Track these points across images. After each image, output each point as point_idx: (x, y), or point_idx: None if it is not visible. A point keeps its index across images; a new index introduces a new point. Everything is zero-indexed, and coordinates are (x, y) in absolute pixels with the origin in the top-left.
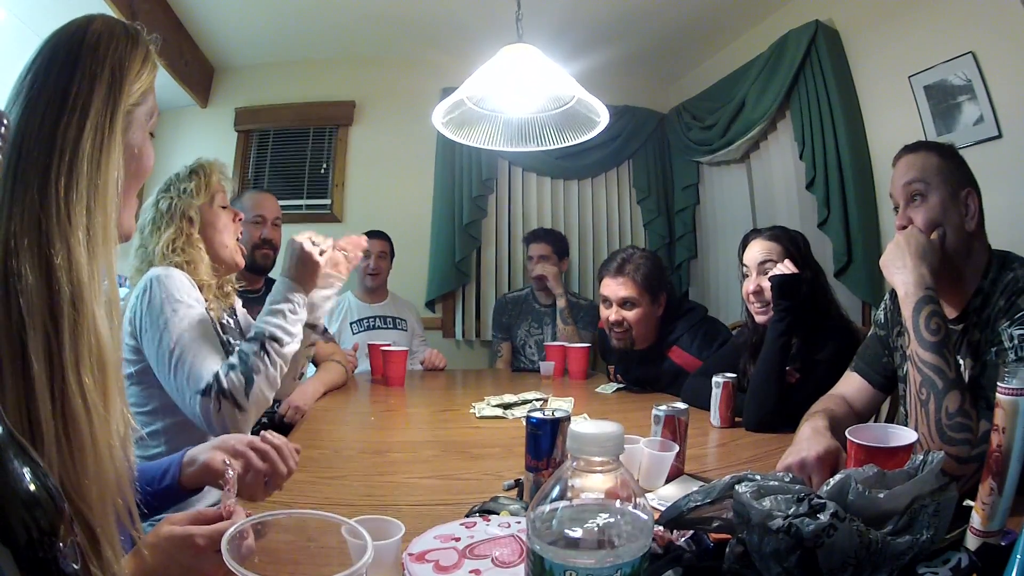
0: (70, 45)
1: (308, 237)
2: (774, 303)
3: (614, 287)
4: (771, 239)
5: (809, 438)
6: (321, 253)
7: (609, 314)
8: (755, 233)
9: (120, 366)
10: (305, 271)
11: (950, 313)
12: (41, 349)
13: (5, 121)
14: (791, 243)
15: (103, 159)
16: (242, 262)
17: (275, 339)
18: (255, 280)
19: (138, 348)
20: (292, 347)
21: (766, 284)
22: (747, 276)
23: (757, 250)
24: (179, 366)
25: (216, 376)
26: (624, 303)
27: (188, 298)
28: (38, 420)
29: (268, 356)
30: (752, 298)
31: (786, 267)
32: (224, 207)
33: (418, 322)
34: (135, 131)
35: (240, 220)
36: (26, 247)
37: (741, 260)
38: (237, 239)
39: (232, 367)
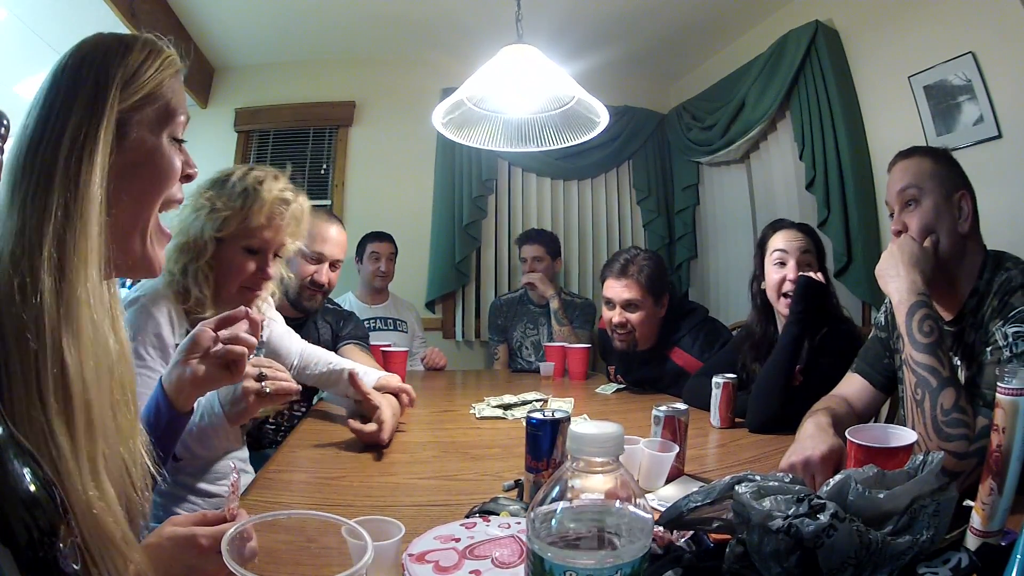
0: (56, 70)
1: (260, 371)
2: (794, 303)
3: (618, 289)
4: (802, 230)
5: (812, 436)
6: (264, 384)
7: (612, 316)
8: (783, 222)
9: (92, 405)
10: (240, 413)
11: (946, 316)
12: (19, 370)
13: (5, 122)
14: (818, 241)
15: (81, 178)
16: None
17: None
18: (293, 311)
19: None
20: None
21: (794, 276)
22: (783, 264)
23: (792, 237)
24: None
25: None
26: (628, 305)
27: (148, 355)
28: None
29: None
30: (788, 284)
31: (818, 277)
32: (254, 251)
33: (418, 323)
34: (142, 134)
35: (269, 289)
36: (5, 264)
37: (765, 248)
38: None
39: None
